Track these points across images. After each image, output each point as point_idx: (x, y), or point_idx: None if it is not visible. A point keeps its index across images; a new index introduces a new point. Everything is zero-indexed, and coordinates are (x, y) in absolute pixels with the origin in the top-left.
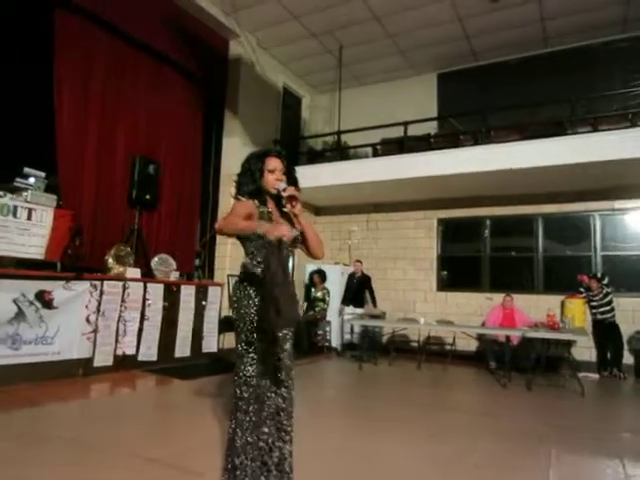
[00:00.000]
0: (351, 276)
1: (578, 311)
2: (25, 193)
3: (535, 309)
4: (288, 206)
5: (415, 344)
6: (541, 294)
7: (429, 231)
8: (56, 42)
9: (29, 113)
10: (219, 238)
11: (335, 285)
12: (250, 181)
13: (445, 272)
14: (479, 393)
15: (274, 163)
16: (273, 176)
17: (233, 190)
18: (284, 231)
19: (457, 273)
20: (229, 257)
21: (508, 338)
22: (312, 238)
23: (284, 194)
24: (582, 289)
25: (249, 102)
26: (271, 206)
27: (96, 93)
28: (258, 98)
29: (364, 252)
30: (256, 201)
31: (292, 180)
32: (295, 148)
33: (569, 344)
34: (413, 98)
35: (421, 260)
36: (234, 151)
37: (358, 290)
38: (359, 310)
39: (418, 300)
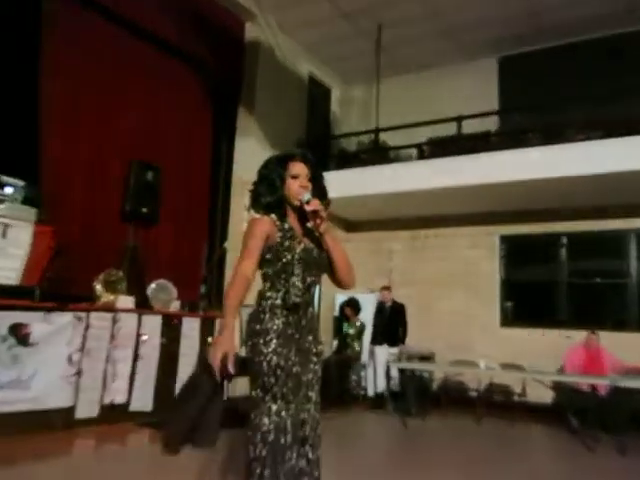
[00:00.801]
0: (380, 307)
1: None
2: (0, 206)
3: (629, 350)
4: (311, 223)
5: (474, 393)
6: (636, 332)
7: (490, 251)
8: (43, 30)
9: (8, 111)
10: (230, 260)
11: (371, 318)
12: (268, 190)
13: (511, 303)
14: (559, 458)
15: (298, 168)
16: (297, 183)
17: (247, 201)
18: (215, 360)
19: (526, 304)
20: None
21: (594, 387)
22: (340, 262)
23: (307, 208)
24: None
25: (268, 95)
26: (293, 221)
27: (88, 87)
28: (279, 90)
29: (408, 277)
30: (273, 216)
31: (319, 190)
32: (323, 150)
33: None
34: (468, 88)
35: (480, 287)
36: (249, 154)
37: (390, 323)
38: (393, 349)
39: (477, 338)
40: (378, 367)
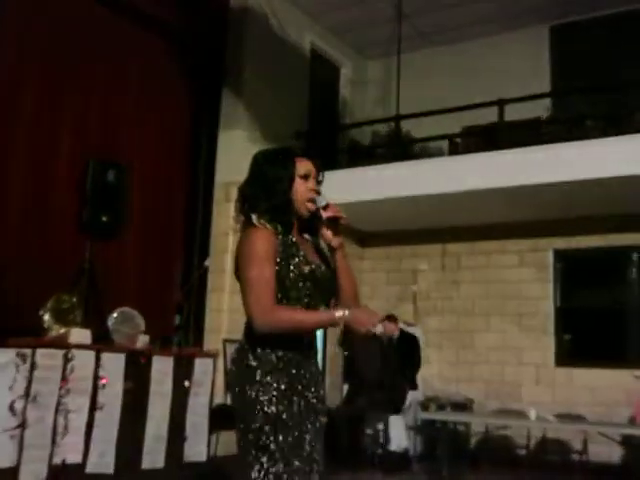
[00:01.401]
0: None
1: None
2: None
3: None
4: (326, 234)
5: (522, 451)
6: None
7: (541, 270)
8: None
9: None
10: (213, 282)
11: None
12: (273, 192)
13: (569, 335)
14: None
15: (308, 166)
16: (307, 185)
17: (236, 208)
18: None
19: (588, 337)
20: (227, 312)
21: None
22: (349, 288)
23: (325, 214)
24: None
25: (259, 75)
26: (295, 234)
27: (31, 62)
28: (273, 69)
29: (437, 304)
30: (279, 227)
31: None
32: (330, 143)
33: None
34: (512, 64)
35: (530, 316)
36: (235, 149)
37: (400, 361)
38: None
39: (526, 381)
40: (392, 418)
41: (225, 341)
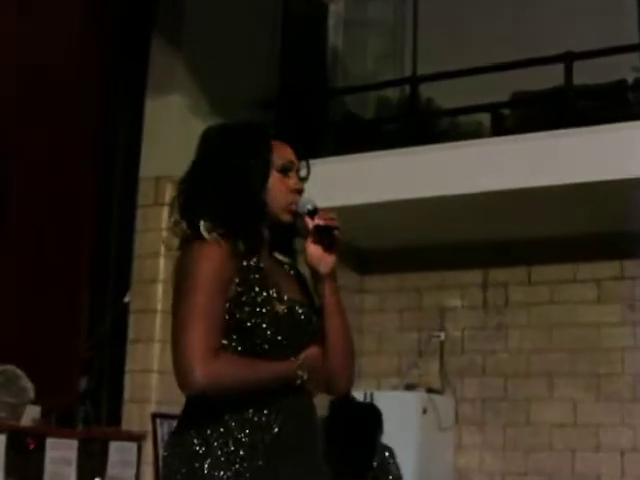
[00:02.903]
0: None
1: None
2: None
3: None
4: (313, 254)
5: None
6: None
7: (629, 309)
8: None
9: None
10: (136, 327)
11: (408, 440)
12: (232, 192)
13: None
14: None
15: (288, 154)
16: (287, 183)
17: (173, 212)
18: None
19: None
20: (158, 373)
21: None
22: (338, 338)
23: (312, 223)
24: None
25: (207, 15)
26: (264, 254)
27: None
28: (228, 6)
29: (477, 359)
30: (240, 245)
31: None
32: (314, 116)
33: None
34: (582, 4)
35: (612, 378)
36: (171, 126)
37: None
38: None
39: (607, 472)
40: None
41: (155, 416)
